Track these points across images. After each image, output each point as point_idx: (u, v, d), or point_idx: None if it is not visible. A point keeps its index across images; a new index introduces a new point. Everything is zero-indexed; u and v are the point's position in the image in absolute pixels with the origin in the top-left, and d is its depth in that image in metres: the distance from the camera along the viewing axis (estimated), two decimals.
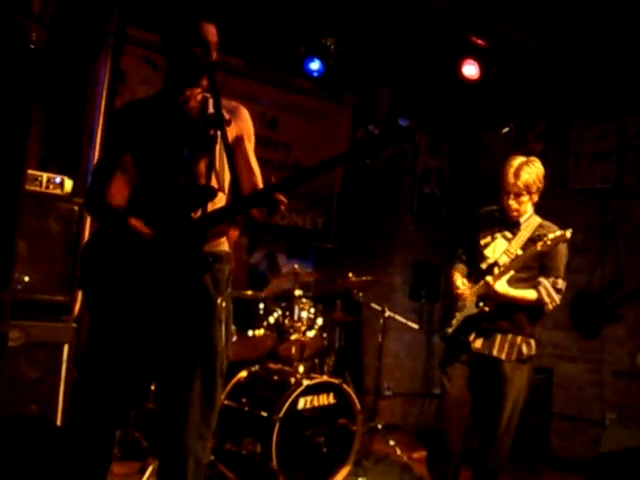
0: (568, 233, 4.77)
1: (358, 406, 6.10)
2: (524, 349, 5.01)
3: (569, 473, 7.49)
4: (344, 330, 8.37)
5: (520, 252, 4.93)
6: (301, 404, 5.79)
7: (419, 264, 9.33)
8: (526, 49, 7.83)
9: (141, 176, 3.61)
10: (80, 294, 5.58)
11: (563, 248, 4.99)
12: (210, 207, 3.43)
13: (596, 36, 7.20)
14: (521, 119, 8.94)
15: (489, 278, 4.94)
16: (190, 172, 3.53)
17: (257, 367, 6.27)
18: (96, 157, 6.35)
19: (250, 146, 3.79)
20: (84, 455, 3.48)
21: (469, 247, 5.34)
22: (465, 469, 5.33)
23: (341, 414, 6.03)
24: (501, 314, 5.00)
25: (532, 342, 5.05)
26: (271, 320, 6.25)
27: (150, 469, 5.40)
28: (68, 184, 5.62)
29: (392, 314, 7.24)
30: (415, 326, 7.58)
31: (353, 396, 6.08)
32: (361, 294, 7.10)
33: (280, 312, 6.30)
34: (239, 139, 3.71)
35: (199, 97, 3.62)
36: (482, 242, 5.22)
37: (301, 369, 6.18)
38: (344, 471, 5.99)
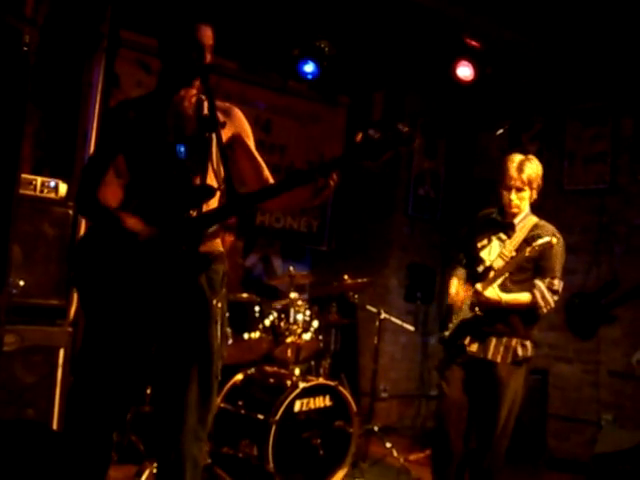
0: (554, 240, 4.78)
1: (354, 408, 6.10)
2: (519, 351, 4.99)
3: (565, 473, 7.49)
4: (340, 332, 8.35)
5: (514, 254, 4.93)
6: (297, 407, 5.79)
7: (414, 266, 9.33)
8: (521, 50, 7.83)
9: (134, 176, 3.60)
10: (75, 297, 5.58)
11: (559, 248, 4.98)
12: (204, 207, 3.44)
13: (590, 37, 7.20)
14: (515, 120, 8.94)
15: (478, 285, 4.93)
16: (185, 172, 3.53)
17: (253, 370, 6.27)
18: None
19: (251, 143, 3.80)
20: (82, 459, 3.48)
21: (468, 251, 5.35)
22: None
23: (337, 416, 6.02)
24: (496, 317, 4.99)
25: (528, 344, 5.03)
26: (267, 323, 6.24)
27: (147, 473, 5.38)
28: (62, 188, 5.61)
29: (388, 316, 7.24)
30: (411, 328, 7.59)
31: (349, 398, 6.08)
32: (356, 296, 7.09)
33: (276, 315, 6.29)
34: (237, 138, 3.71)
35: (193, 99, 3.62)
36: (479, 245, 5.23)
37: (297, 372, 6.17)
38: (341, 473, 6.00)
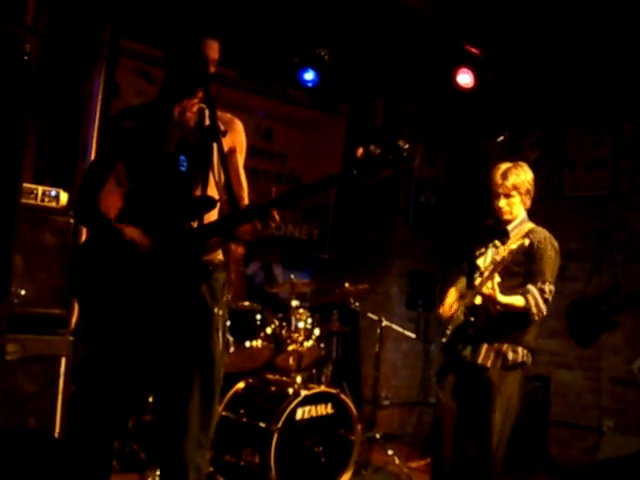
0: (526, 241, 4.79)
1: (356, 416, 6.10)
2: (510, 356, 4.97)
3: None
4: (341, 340, 8.36)
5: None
6: (299, 414, 5.79)
7: (415, 273, 9.33)
8: (521, 57, 7.84)
9: (134, 185, 3.61)
10: (76, 307, 5.57)
11: (550, 251, 4.97)
12: (205, 217, 3.45)
13: (590, 43, 7.21)
14: (516, 127, 8.95)
15: (477, 281, 4.95)
16: (186, 182, 3.54)
17: (255, 378, 6.28)
18: None
19: (241, 159, 3.83)
20: (83, 468, 3.48)
21: (468, 259, 5.36)
22: None
23: (339, 424, 6.03)
24: (488, 323, 4.99)
25: (519, 349, 5.00)
26: (268, 331, 6.24)
27: None
28: (63, 197, 5.62)
29: (389, 323, 7.25)
30: (412, 335, 7.58)
31: (351, 406, 6.09)
32: (358, 304, 7.08)
33: (277, 323, 6.30)
34: (232, 151, 3.73)
35: (195, 108, 3.64)
36: (477, 253, 5.25)
37: (299, 379, 6.16)
38: None
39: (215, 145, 3.42)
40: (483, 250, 5.23)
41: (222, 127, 3.48)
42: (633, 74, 7.58)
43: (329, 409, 6.01)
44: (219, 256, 3.66)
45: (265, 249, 8.82)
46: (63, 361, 5.48)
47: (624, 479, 6.43)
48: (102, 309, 3.49)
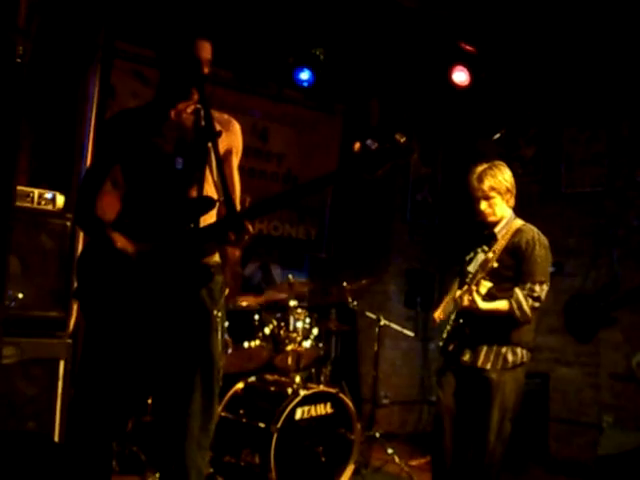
0: (490, 255, 4.82)
1: (355, 415, 6.10)
2: (509, 357, 4.97)
3: (568, 476, 7.48)
4: (340, 339, 8.36)
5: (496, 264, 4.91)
6: (299, 414, 5.78)
7: (413, 272, 9.34)
8: (516, 54, 7.84)
9: (132, 187, 3.61)
10: (75, 309, 5.57)
11: (538, 250, 4.94)
12: (203, 218, 3.44)
13: (587, 39, 7.22)
14: (512, 125, 8.95)
15: (458, 292, 4.96)
16: (184, 183, 3.53)
17: (254, 378, 6.28)
18: None
19: (236, 161, 3.82)
20: (83, 471, 3.48)
21: (460, 265, 5.37)
22: None
23: (339, 423, 6.03)
24: (486, 326, 4.99)
25: (519, 350, 5.00)
26: (266, 331, 6.25)
27: None
28: (60, 200, 5.61)
29: (387, 322, 7.25)
30: (410, 334, 7.59)
31: (350, 405, 6.08)
32: (356, 303, 7.07)
33: (275, 323, 6.30)
34: (228, 152, 3.72)
35: (190, 109, 3.63)
36: (467, 258, 5.27)
37: (298, 379, 6.16)
38: None
39: (211, 145, 3.41)
40: (472, 255, 5.25)
41: (218, 127, 3.47)
42: (628, 70, 7.58)
43: (328, 409, 6.00)
44: (216, 258, 3.66)
45: (263, 249, 8.82)
46: (62, 364, 5.46)
47: (624, 475, 6.42)
48: (103, 310, 3.49)
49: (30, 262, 5.41)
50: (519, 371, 5.05)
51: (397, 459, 6.81)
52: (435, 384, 5.39)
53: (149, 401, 5.57)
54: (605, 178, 8.13)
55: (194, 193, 3.51)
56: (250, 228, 3.27)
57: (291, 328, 6.28)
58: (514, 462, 5.26)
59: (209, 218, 3.51)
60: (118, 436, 3.74)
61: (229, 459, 5.81)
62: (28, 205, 5.46)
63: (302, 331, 6.32)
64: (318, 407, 5.94)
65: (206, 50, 3.57)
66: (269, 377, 6.34)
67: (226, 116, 3.78)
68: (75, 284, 3.68)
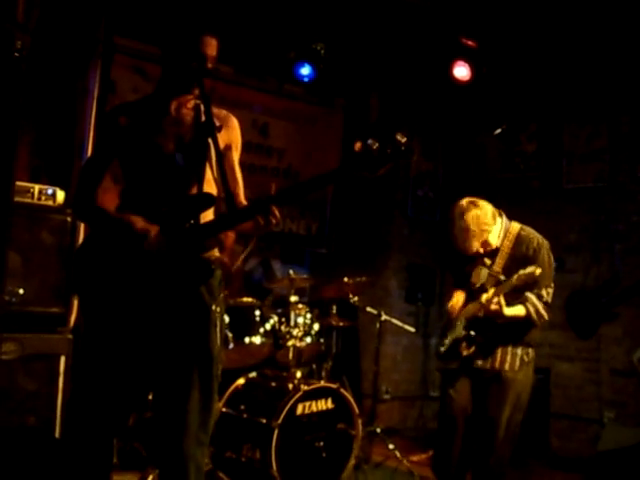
0: (538, 271, 4.74)
1: (356, 410, 6.09)
2: (524, 357, 5.01)
3: (568, 472, 7.48)
4: (341, 335, 8.35)
5: (503, 277, 4.88)
6: (299, 410, 5.78)
7: (414, 267, 9.33)
8: (517, 49, 7.83)
9: (131, 182, 3.60)
10: (75, 305, 5.56)
11: (543, 255, 4.95)
12: (203, 214, 3.44)
13: (588, 35, 7.21)
14: (513, 120, 8.94)
15: (483, 297, 4.91)
16: (184, 178, 3.53)
17: (255, 374, 6.27)
18: None
19: (236, 156, 3.82)
20: (84, 466, 3.48)
21: (458, 274, 5.35)
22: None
23: (340, 419, 6.02)
24: (499, 330, 4.99)
25: (530, 350, 5.05)
26: (267, 327, 6.24)
27: (150, 479, 5.38)
28: (60, 195, 5.60)
29: (388, 318, 7.25)
30: (412, 329, 7.59)
31: (351, 400, 6.07)
32: (357, 298, 7.06)
33: (276, 318, 6.29)
34: (227, 148, 3.72)
35: (191, 104, 3.62)
36: (467, 269, 5.22)
37: (299, 375, 6.16)
38: (344, 475, 5.99)
39: (211, 141, 3.41)
40: (472, 265, 5.19)
41: (217, 123, 3.46)
42: (629, 66, 7.56)
43: (329, 404, 6.00)
44: (215, 253, 3.66)
45: (263, 244, 8.81)
46: (62, 359, 5.46)
47: (625, 470, 6.43)
48: (102, 305, 3.48)
49: (30, 258, 5.41)
50: (530, 368, 5.07)
51: (398, 454, 6.81)
52: (440, 380, 5.37)
53: (150, 397, 5.60)
54: (606, 174, 8.13)
55: (194, 189, 3.50)
56: (277, 213, 3.30)
57: (292, 324, 6.28)
58: (515, 457, 5.23)
59: (207, 214, 3.51)
60: (119, 432, 3.73)
61: (230, 454, 5.80)
62: (28, 201, 5.45)
63: (303, 327, 6.32)
64: (319, 402, 5.93)
65: (212, 46, 3.56)
66: (270, 373, 6.33)
67: (224, 112, 3.78)
68: (72, 277, 3.67)
